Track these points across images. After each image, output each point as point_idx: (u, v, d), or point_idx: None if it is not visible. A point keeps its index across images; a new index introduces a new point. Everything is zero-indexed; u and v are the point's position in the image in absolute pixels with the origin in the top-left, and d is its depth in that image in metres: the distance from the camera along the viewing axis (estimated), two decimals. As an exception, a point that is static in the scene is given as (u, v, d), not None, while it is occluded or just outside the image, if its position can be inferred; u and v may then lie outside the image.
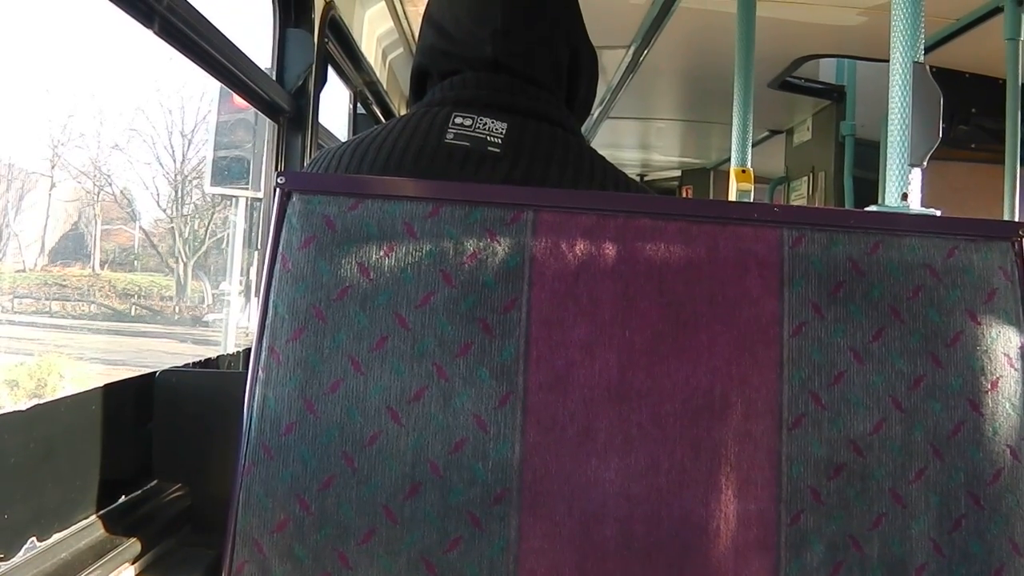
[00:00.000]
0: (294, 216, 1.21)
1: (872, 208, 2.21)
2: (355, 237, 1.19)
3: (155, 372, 1.46)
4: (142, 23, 1.62)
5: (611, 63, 4.83)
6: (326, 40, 2.76)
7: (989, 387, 1.21)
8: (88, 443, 1.29)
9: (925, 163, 2.15)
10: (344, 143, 1.49)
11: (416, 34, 3.59)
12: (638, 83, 5.13)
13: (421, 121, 1.43)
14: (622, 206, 1.22)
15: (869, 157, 5.15)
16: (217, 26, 1.87)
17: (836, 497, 1.18)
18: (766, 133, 6.57)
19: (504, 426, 1.16)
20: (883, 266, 1.22)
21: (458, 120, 1.41)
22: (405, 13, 3.89)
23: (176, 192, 28.76)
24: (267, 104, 2.44)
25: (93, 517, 1.29)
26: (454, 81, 1.47)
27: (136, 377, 1.43)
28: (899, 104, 2.16)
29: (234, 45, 2.00)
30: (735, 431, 1.17)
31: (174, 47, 1.79)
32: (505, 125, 1.41)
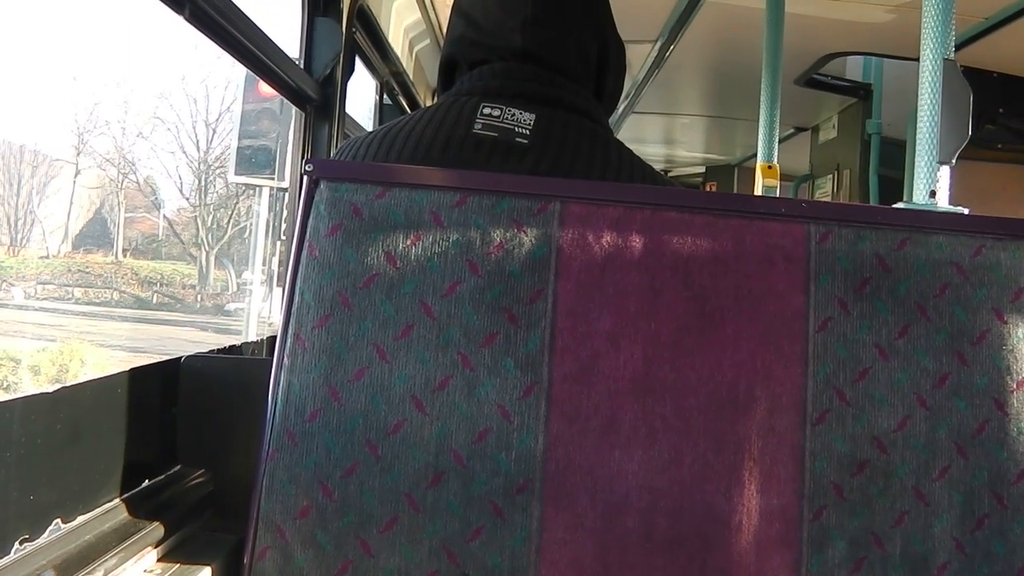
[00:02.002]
0: (321, 203, 1.21)
1: (900, 205, 2.20)
2: (382, 225, 1.20)
3: (180, 357, 1.47)
4: (173, 9, 1.63)
5: (637, 58, 4.81)
6: (354, 30, 2.76)
7: (1015, 387, 1.20)
8: (113, 427, 1.30)
9: (954, 161, 2.14)
10: (372, 132, 1.49)
11: (443, 25, 3.60)
12: (664, 78, 5.11)
13: (450, 111, 1.43)
14: (649, 199, 1.22)
15: (894, 156, 5.11)
16: (247, 13, 1.88)
17: (859, 494, 1.17)
18: (791, 130, 6.52)
19: (528, 417, 1.16)
20: (910, 263, 1.21)
21: (487, 110, 1.41)
22: (432, 4, 3.89)
23: (200, 181, 28.92)
24: (294, 92, 2.45)
25: (117, 500, 1.30)
26: (483, 71, 1.47)
27: (162, 362, 1.44)
28: (928, 101, 2.15)
29: (263, 33, 2.00)
30: (759, 425, 1.17)
31: (204, 33, 1.80)
32: (534, 116, 1.41)
